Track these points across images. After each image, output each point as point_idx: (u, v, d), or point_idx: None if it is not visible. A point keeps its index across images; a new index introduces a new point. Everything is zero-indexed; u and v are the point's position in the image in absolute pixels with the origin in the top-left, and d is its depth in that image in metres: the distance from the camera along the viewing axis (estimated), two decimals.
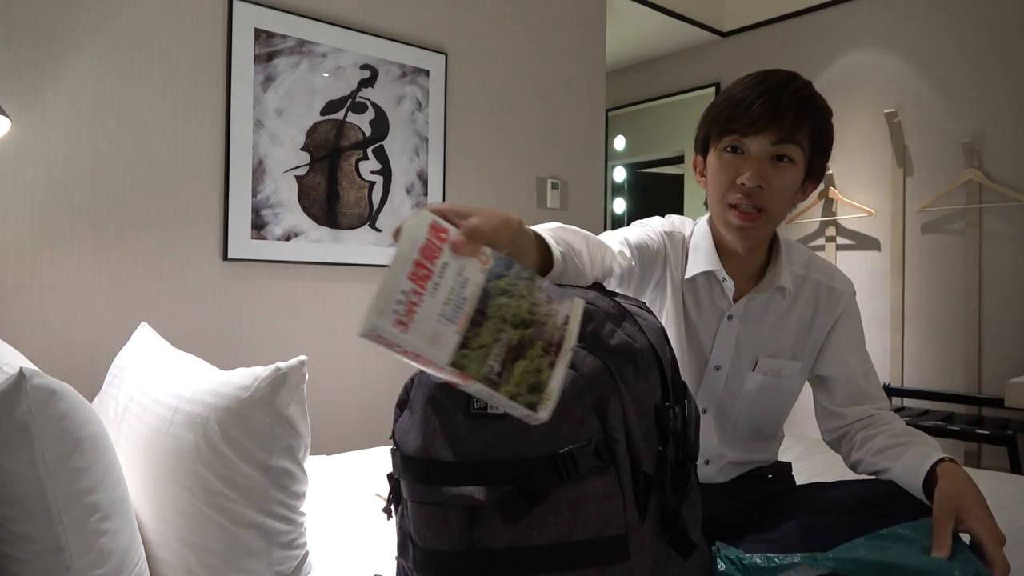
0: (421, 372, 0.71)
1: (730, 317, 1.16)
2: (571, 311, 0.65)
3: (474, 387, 0.59)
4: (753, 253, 1.16)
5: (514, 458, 0.67)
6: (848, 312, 1.20)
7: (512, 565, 0.66)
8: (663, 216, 1.26)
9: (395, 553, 0.79)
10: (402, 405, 0.76)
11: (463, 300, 0.60)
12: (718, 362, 1.18)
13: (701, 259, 1.15)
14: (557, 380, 0.61)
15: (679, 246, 1.19)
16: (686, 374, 1.19)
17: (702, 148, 1.15)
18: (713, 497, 1.17)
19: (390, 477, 0.78)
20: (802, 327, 1.19)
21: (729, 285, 1.15)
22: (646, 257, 1.13)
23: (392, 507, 0.78)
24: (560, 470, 0.67)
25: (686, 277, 1.17)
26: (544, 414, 0.59)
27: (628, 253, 1.07)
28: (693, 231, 1.21)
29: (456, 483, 0.68)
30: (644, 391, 0.74)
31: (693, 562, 0.77)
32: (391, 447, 0.76)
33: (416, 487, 0.71)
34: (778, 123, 1.03)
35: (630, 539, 0.69)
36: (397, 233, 0.60)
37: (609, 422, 0.70)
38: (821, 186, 3.28)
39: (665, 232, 1.19)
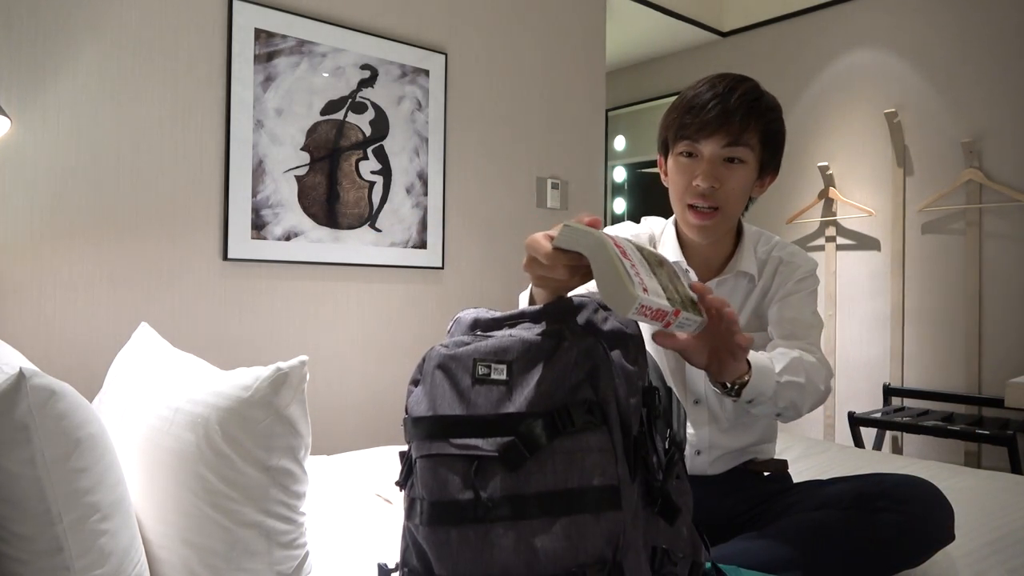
0: (432, 349, 0.81)
1: None
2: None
3: (682, 316, 0.78)
4: (717, 244, 1.23)
5: (515, 413, 0.74)
6: (805, 283, 1.25)
7: (513, 510, 0.72)
8: (637, 222, 1.35)
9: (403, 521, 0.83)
10: (416, 382, 0.82)
11: (645, 265, 0.79)
12: None
13: (666, 252, 1.24)
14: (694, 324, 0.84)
15: (647, 244, 1.27)
16: (670, 366, 1.25)
17: (663, 150, 1.23)
18: (709, 493, 1.19)
19: (402, 455, 0.83)
20: (764, 297, 1.27)
21: (692, 275, 1.23)
22: None
23: (403, 482, 0.83)
24: (556, 422, 0.73)
25: None
26: (705, 318, 0.84)
27: None
28: (664, 228, 1.30)
29: (462, 436, 0.75)
30: (633, 372, 0.79)
31: (679, 530, 0.81)
32: (403, 418, 0.82)
33: (425, 443, 0.77)
34: (727, 126, 1.11)
35: (622, 491, 0.74)
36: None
37: (601, 390, 0.76)
38: (821, 186, 3.28)
39: (632, 235, 1.28)
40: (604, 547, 0.71)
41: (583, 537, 0.71)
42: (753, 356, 0.99)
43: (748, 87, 1.14)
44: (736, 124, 1.11)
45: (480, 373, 0.77)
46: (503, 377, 0.76)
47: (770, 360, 1.03)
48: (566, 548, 0.71)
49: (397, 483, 0.83)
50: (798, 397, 1.05)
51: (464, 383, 0.76)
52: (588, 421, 0.74)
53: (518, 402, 0.74)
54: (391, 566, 0.83)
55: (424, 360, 0.81)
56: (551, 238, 0.77)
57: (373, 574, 1.08)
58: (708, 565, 0.86)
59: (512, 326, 0.82)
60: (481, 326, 0.84)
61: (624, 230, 1.31)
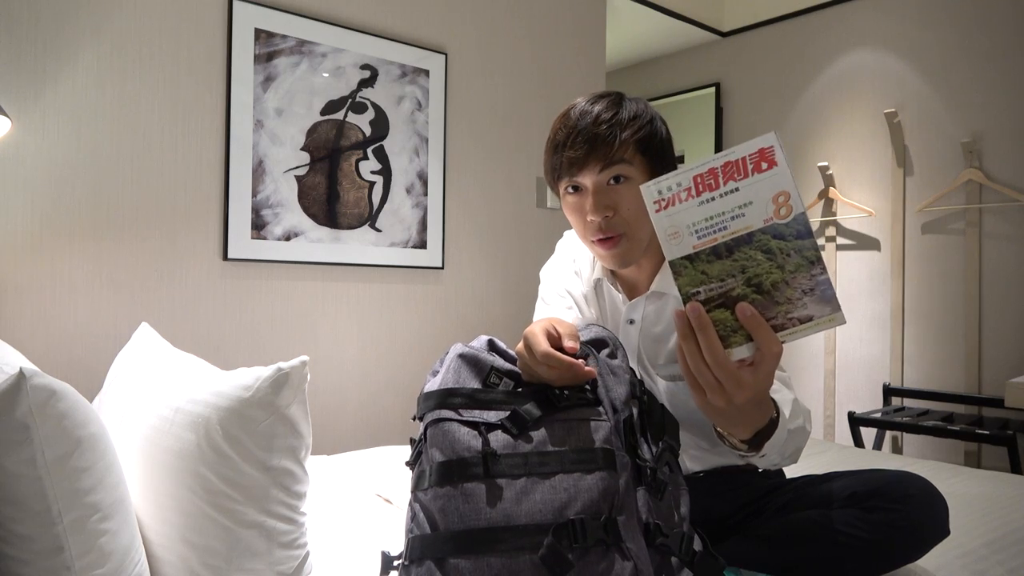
0: (455, 344, 0.94)
1: (631, 322, 1.19)
2: (819, 318, 0.61)
3: (676, 292, 0.70)
4: (638, 267, 1.18)
5: (516, 391, 0.88)
6: None
7: (515, 467, 0.81)
8: None
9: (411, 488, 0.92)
10: (435, 372, 0.94)
11: (722, 229, 0.62)
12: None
13: (598, 267, 1.24)
14: (740, 353, 0.63)
15: (589, 258, 1.27)
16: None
17: (554, 190, 1.19)
18: (700, 494, 1.17)
19: (412, 440, 0.93)
20: None
21: (616, 294, 1.21)
22: (576, 292, 1.26)
23: (413, 462, 0.92)
24: (554, 398, 0.86)
25: (591, 283, 1.25)
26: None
27: (574, 308, 1.23)
28: (591, 255, 1.28)
29: (471, 408, 0.87)
30: (617, 365, 0.91)
31: (670, 507, 0.87)
32: (418, 397, 0.92)
33: (436, 411, 0.87)
34: (596, 152, 1.06)
35: (616, 455, 0.82)
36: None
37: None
38: (821, 186, 3.28)
39: (575, 252, 1.30)
40: (600, 502, 0.79)
41: (580, 491, 0.79)
42: (777, 399, 0.89)
43: (606, 103, 1.09)
44: (603, 145, 1.05)
45: (492, 381, 0.90)
46: (509, 389, 0.90)
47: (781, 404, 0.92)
48: (565, 500, 0.78)
49: (407, 463, 0.92)
50: (801, 443, 0.98)
51: (476, 382, 0.90)
52: (581, 397, 0.86)
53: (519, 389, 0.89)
54: (393, 554, 0.89)
55: (447, 352, 0.94)
56: (549, 334, 0.86)
57: (373, 574, 1.08)
58: (700, 548, 0.86)
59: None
60: (497, 349, 0.97)
61: (559, 262, 1.29)
